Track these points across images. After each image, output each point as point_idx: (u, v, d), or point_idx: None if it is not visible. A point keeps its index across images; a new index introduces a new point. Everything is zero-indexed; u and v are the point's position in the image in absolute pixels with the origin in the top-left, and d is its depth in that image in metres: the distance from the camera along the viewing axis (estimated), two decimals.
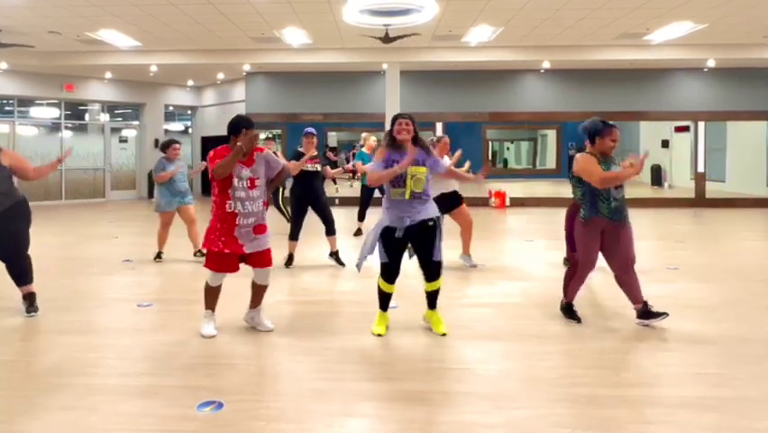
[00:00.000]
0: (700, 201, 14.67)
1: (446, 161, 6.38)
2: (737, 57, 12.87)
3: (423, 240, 4.32)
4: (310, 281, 6.26)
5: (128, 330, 4.64)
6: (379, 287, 4.50)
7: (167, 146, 7.48)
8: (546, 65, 14.10)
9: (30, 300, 5.00)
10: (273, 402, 3.32)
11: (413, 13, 9.89)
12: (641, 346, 4.29)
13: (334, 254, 7.09)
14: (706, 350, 4.14)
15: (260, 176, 4.36)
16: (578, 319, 4.77)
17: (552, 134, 18.01)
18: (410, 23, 10.21)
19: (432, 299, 4.52)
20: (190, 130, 19.19)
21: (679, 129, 16.38)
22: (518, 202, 14.74)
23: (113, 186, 17.05)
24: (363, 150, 9.67)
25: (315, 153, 6.87)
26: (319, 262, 7.25)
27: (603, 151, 4.58)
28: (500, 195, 14.64)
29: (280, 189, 9.96)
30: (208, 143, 18.25)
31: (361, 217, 9.56)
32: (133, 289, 6.09)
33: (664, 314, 4.58)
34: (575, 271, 4.77)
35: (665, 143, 17.22)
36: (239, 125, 4.30)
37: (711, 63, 13.76)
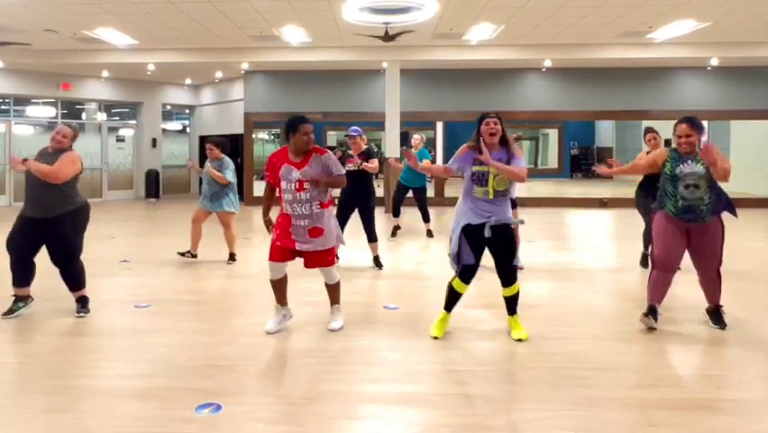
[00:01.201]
0: None
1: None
2: (741, 55, 12.82)
3: (503, 243, 4.28)
4: (310, 282, 6.16)
5: (126, 331, 4.61)
6: (452, 287, 4.40)
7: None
8: (548, 64, 14.07)
9: (82, 303, 5.06)
10: (272, 404, 3.31)
11: (413, 11, 9.89)
12: (645, 348, 4.25)
13: (375, 258, 7.00)
14: (711, 352, 4.13)
15: (311, 179, 4.30)
16: (648, 323, 4.54)
17: (553, 134, 17.94)
18: (410, 21, 10.17)
19: (511, 304, 4.45)
20: (188, 129, 19.10)
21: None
22: (520, 202, 14.57)
23: (110, 186, 16.97)
24: (413, 150, 9.53)
25: (364, 148, 6.82)
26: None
27: (677, 147, 4.53)
28: None
29: None
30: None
31: (396, 213, 9.47)
32: (131, 290, 6.06)
33: (723, 325, 4.55)
34: (653, 269, 4.63)
35: (668, 143, 17.09)
36: (293, 123, 4.32)
37: (715, 62, 13.72)
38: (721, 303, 4.67)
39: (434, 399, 3.37)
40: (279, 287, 4.56)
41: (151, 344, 4.29)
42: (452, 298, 4.44)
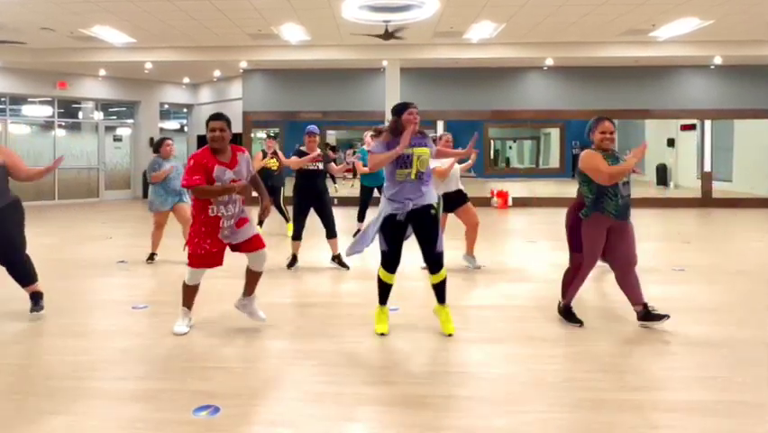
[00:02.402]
0: (707, 201, 14.53)
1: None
2: (745, 54, 12.77)
3: (425, 228, 4.37)
4: (308, 283, 6.21)
5: (123, 333, 4.58)
6: (379, 278, 4.49)
7: (159, 144, 7.35)
8: (549, 62, 14.01)
9: (35, 299, 4.95)
10: (270, 406, 3.29)
11: (413, 10, 9.86)
12: (645, 350, 4.22)
13: (336, 258, 6.95)
14: (712, 353, 4.09)
15: (243, 177, 4.39)
16: (579, 322, 4.66)
17: (555, 133, 17.86)
18: (411, 19, 10.12)
19: (439, 291, 4.49)
20: (186, 128, 19.03)
21: (685, 127, 16.24)
22: (521, 202, 14.59)
23: (107, 186, 16.86)
24: (364, 147, 9.49)
25: (318, 152, 6.78)
26: (319, 263, 7.15)
27: (600, 145, 4.51)
28: (503, 195, 14.49)
29: (281, 189, 9.76)
30: (204, 142, 18.05)
31: (361, 218, 9.39)
32: (128, 291, 6.02)
33: (665, 316, 4.51)
34: (577, 272, 4.65)
35: (671, 142, 17.08)
36: (207, 121, 4.48)
37: (718, 60, 13.65)
38: (645, 300, 4.61)
39: (434, 400, 3.33)
40: (195, 291, 4.57)
41: (149, 345, 4.26)
42: (383, 289, 4.50)
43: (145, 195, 16.84)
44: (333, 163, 7.02)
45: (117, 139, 17.32)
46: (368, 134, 9.03)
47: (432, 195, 4.45)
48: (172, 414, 3.15)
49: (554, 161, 17.94)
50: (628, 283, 4.59)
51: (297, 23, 11.01)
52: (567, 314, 4.74)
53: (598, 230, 4.51)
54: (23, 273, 4.94)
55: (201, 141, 18.16)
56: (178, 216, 7.32)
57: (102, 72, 15.78)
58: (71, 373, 3.75)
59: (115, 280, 6.55)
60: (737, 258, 7.72)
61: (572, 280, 4.70)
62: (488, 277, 6.50)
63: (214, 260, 4.42)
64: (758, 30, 11.44)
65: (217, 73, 16.42)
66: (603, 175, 4.33)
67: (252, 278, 4.59)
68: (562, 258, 7.75)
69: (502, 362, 3.94)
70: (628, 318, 4.77)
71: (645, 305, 4.58)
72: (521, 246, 8.80)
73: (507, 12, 10.26)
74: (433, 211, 4.39)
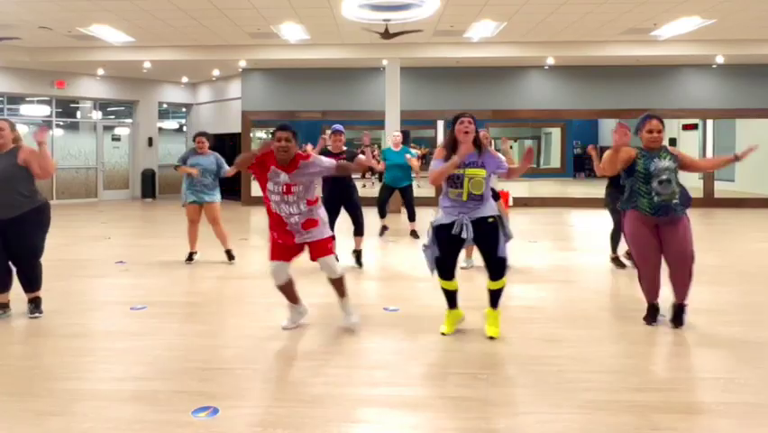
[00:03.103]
0: (709, 201, 14.45)
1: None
2: (747, 53, 12.73)
3: (485, 236, 4.25)
4: (308, 283, 6.09)
5: (121, 334, 4.56)
6: (441, 286, 4.45)
7: (194, 138, 7.39)
8: (551, 61, 13.95)
9: (35, 303, 4.96)
10: (270, 408, 3.28)
11: (413, 8, 9.84)
12: (650, 351, 4.23)
13: (356, 253, 7.00)
14: (716, 354, 4.08)
15: (300, 183, 4.31)
16: (649, 321, 4.64)
17: (556, 132, 17.78)
18: (411, 17, 10.11)
19: (494, 297, 4.42)
20: (185, 128, 18.93)
21: (687, 127, 16.21)
22: (522, 202, 14.49)
23: (105, 185, 16.78)
24: (390, 146, 9.47)
25: (344, 149, 6.85)
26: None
27: (647, 144, 4.54)
28: (503, 194, 14.31)
29: None
30: (197, 135, 17.95)
31: (382, 214, 9.36)
32: (127, 291, 5.99)
33: (680, 324, 4.56)
34: (639, 271, 4.69)
35: (673, 142, 17.02)
36: (274, 130, 4.41)
37: (720, 59, 13.58)
38: (686, 302, 4.61)
39: (435, 402, 3.33)
40: (286, 291, 4.58)
41: (147, 346, 4.24)
42: (446, 295, 4.48)
43: (144, 195, 16.83)
44: (360, 156, 6.95)
45: (116, 138, 17.23)
46: (395, 133, 9.09)
47: (488, 208, 4.27)
48: (171, 415, 3.14)
49: (555, 161, 17.86)
50: (676, 280, 4.55)
51: (296, 22, 10.98)
52: (649, 313, 4.70)
53: (638, 225, 4.53)
54: (32, 279, 4.94)
55: None
56: (206, 216, 7.27)
57: (100, 71, 15.70)
58: (69, 373, 3.75)
59: (114, 280, 6.54)
60: (740, 259, 7.70)
61: (639, 279, 4.73)
62: (483, 277, 6.47)
63: (284, 254, 4.43)
64: (761, 29, 11.39)
65: (216, 72, 16.35)
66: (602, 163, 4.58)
67: (333, 284, 4.59)
68: (563, 258, 7.80)
69: (503, 363, 3.94)
70: (631, 319, 4.77)
71: (683, 305, 4.58)
72: (522, 246, 8.70)
73: (507, 10, 10.23)
74: (491, 220, 4.23)
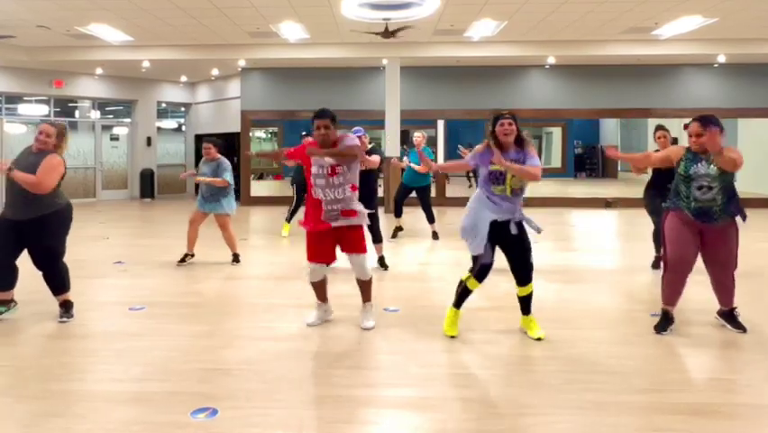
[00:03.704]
0: None
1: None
2: (749, 52, 12.69)
3: (519, 241, 4.30)
4: (308, 284, 6.04)
5: (120, 334, 4.55)
6: (465, 285, 4.42)
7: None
8: (551, 60, 13.91)
9: (65, 307, 4.94)
10: (269, 409, 3.26)
11: (413, 7, 9.82)
12: (651, 351, 4.19)
13: (380, 259, 6.99)
14: (718, 355, 4.10)
15: (344, 164, 4.37)
16: (659, 330, 4.50)
17: (557, 132, 17.71)
18: (411, 17, 10.09)
19: (524, 303, 4.47)
20: (184, 128, 18.86)
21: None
22: (522, 202, 14.44)
23: (104, 185, 16.70)
24: (414, 148, 9.41)
25: (369, 147, 6.82)
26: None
27: (692, 146, 4.42)
28: None
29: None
30: (204, 142, 17.91)
31: (398, 213, 9.28)
32: (126, 292, 5.98)
33: (741, 328, 4.49)
34: (666, 271, 4.56)
35: (674, 141, 16.94)
36: (312, 118, 4.48)
37: (722, 59, 13.53)
38: (735, 305, 4.60)
39: (436, 403, 3.32)
40: (319, 288, 4.70)
41: (146, 347, 4.24)
42: (464, 295, 4.47)
43: (143, 195, 16.76)
44: (375, 156, 6.83)
45: (114, 138, 17.14)
46: (417, 134, 9.09)
47: (521, 210, 4.34)
48: (170, 416, 3.13)
49: (556, 161, 17.80)
50: (718, 286, 4.53)
51: (296, 21, 10.94)
52: (661, 318, 4.57)
53: (679, 225, 4.42)
54: (56, 282, 4.91)
55: (198, 140, 18.02)
56: (218, 224, 7.27)
57: (99, 71, 15.62)
58: (68, 375, 3.75)
59: (112, 281, 6.52)
60: (742, 259, 7.55)
61: (663, 280, 4.60)
62: (489, 278, 6.41)
63: (324, 249, 4.48)
64: (763, 27, 11.36)
65: (215, 72, 16.29)
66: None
67: (360, 286, 4.68)
68: (564, 259, 7.76)
69: (503, 363, 3.94)
70: (632, 320, 4.77)
71: (732, 309, 4.56)
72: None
73: (508, 9, 10.20)
74: (525, 224, 4.33)
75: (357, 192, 4.50)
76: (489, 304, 5.35)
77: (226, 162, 7.19)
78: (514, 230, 4.24)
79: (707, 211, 4.31)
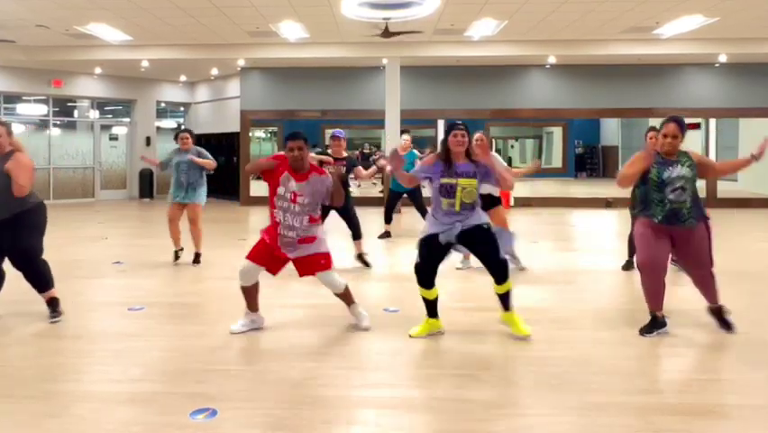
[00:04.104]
0: (712, 201, 14.34)
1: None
2: (750, 51, 12.64)
3: (482, 242, 4.27)
4: (308, 284, 6.06)
5: (119, 335, 4.55)
6: (422, 295, 4.46)
7: (176, 136, 7.30)
8: (552, 60, 13.85)
9: (53, 306, 4.90)
10: (269, 409, 3.25)
11: (413, 7, 9.77)
12: (651, 352, 4.19)
13: (360, 256, 6.99)
14: (718, 356, 4.09)
15: (306, 195, 4.32)
16: (643, 332, 4.44)
17: (558, 132, 17.68)
18: (411, 16, 10.05)
19: (504, 300, 4.41)
20: (183, 127, 18.65)
21: (689, 126, 16.04)
22: (523, 202, 14.44)
23: (103, 185, 16.66)
24: (398, 149, 9.37)
25: (345, 155, 6.85)
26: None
27: (660, 148, 4.35)
28: (504, 194, 14.28)
29: None
30: (202, 141, 17.90)
31: (388, 220, 9.34)
32: (124, 292, 5.96)
33: (729, 328, 4.45)
34: (642, 275, 4.52)
35: None
36: (285, 139, 4.42)
37: (723, 58, 13.48)
38: (722, 303, 4.56)
39: (435, 403, 3.32)
40: (250, 293, 4.50)
41: (145, 347, 4.23)
42: (426, 304, 4.46)
43: (142, 195, 16.72)
44: (360, 168, 7.03)
45: (113, 138, 17.10)
46: (404, 137, 9.05)
47: (481, 216, 4.31)
48: (169, 417, 3.12)
49: (557, 161, 17.75)
50: (700, 286, 4.51)
51: (295, 21, 10.89)
52: (649, 321, 4.50)
53: (649, 232, 4.38)
54: (37, 279, 4.89)
55: (198, 140, 17.91)
56: (187, 215, 7.19)
57: (98, 70, 15.56)
58: (67, 375, 3.75)
59: (111, 281, 6.50)
60: (743, 259, 7.64)
61: (642, 284, 4.55)
62: (489, 278, 6.39)
63: (265, 260, 4.38)
64: (764, 27, 11.31)
65: (215, 71, 16.23)
66: (618, 176, 4.30)
67: (340, 297, 4.61)
68: (564, 259, 7.74)
69: (504, 364, 3.92)
70: (632, 321, 4.73)
71: (720, 307, 4.52)
72: (523, 247, 8.66)
73: (508, 9, 10.15)
74: (486, 226, 4.27)
75: (320, 224, 4.48)
76: (489, 305, 5.29)
77: (200, 148, 7.25)
78: (443, 239, 4.19)
79: (677, 213, 4.28)
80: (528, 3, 9.71)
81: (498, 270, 4.28)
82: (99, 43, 12.55)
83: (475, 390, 3.49)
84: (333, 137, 6.95)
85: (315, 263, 4.40)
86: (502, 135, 20.02)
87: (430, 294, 4.41)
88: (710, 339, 4.36)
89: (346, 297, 4.61)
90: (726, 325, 4.48)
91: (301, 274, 4.47)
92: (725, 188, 14.64)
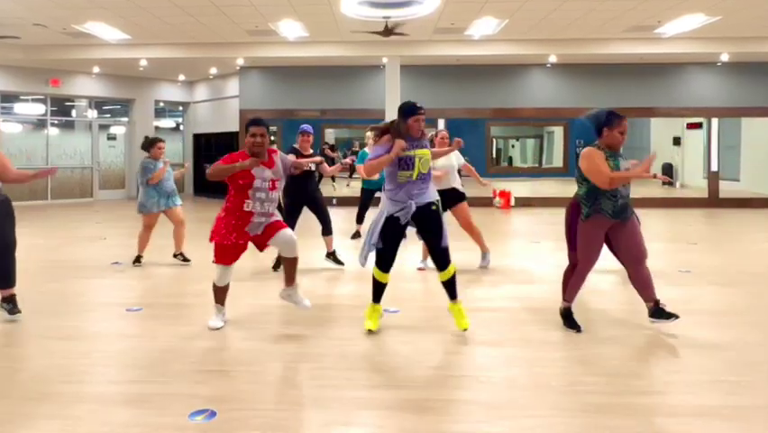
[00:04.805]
0: (714, 201, 14.34)
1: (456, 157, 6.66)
2: (753, 50, 12.64)
3: (428, 223, 4.41)
4: (306, 284, 6.08)
5: (117, 336, 4.56)
6: (373, 277, 4.54)
7: (151, 145, 7.14)
8: (553, 59, 13.83)
9: (12, 302, 4.85)
10: (268, 411, 3.24)
11: (413, 5, 9.81)
12: (652, 353, 4.20)
13: (331, 255, 6.99)
14: (719, 357, 4.03)
15: (280, 177, 4.55)
16: (577, 328, 4.53)
17: (558, 131, 17.58)
18: (411, 15, 10.05)
19: (449, 288, 4.49)
20: (182, 127, 18.79)
21: (691, 126, 16.07)
22: (524, 202, 14.40)
23: (101, 185, 16.63)
24: (366, 149, 9.27)
25: (311, 152, 6.84)
26: (315, 264, 7.07)
27: (611, 144, 4.32)
28: (505, 194, 14.29)
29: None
30: (201, 141, 17.86)
31: (360, 220, 9.20)
32: (122, 292, 5.95)
33: (675, 316, 4.39)
34: (573, 270, 4.55)
35: (677, 141, 16.94)
36: (247, 125, 4.52)
37: (725, 57, 13.48)
38: (657, 297, 4.49)
39: (435, 405, 3.29)
40: (224, 292, 4.69)
41: (143, 348, 4.21)
42: (377, 287, 4.54)
43: None
44: (326, 165, 6.91)
45: (111, 138, 17.07)
46: (369, 135, 8.89)
47: (432, 192, 4.48)
48: (167, 419, 3.11)
49: (558, 160, 17.66)
50: (639, 280, 4.47)
51: (295, 20, 10.89)
52: (566, 318, 4.60)
53: (595, 230, 4.39)
54: (5, 275, 4.82)
55: (197, 139, 17.93)
56: (171, 219, 7.21)
57: (96, 69, 15.53)
58: (64, 376, 3.71)
59: (109, 281, 6.47)
60: (745, 259, 7.62)
61: (569, 278, 4.59)
62: (490, 278, 6.45)
63: (236, 256, 4.54)
64: (766, 26, 11.31)
65: (214, 70, 16.22)
66: (604, 179, 4.16)
67: (288, 265, 4.60)
68: (565, 259, 7.67)
69: (504, 365, 3.90)
70: (634, 322, 4.73)
71: (657, 302, 4.45)
72: (524, 247, 8.67)
73: (509, 7, 10.15)
74: (434, 207, 4.41)
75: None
76: (490, 305, 5.32)
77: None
78: (403, 220, 4.31)
79: (625, 207, 4.33)
80: (529, 1, 9.71)
81: (440, 256, 4.39)
82: (97, 42, 12.53)
83: (476, 391, 3.47)
84: (302, 132, 6.87)
85: (279, 224, 4.54)
86: (503, 135, 19.92)
87: (385, 278, 4.51)
88: (711, 340, 4.34)
89: (292, 269, 4.61)
90: (669, 315, 4.40)
91: (261, 248, 4.59)
92: (727, 188, 14.62)
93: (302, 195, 6.81)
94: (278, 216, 4.64)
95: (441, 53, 13.03)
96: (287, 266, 4.63)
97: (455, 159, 6.62)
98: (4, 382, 3.63)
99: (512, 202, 14.27)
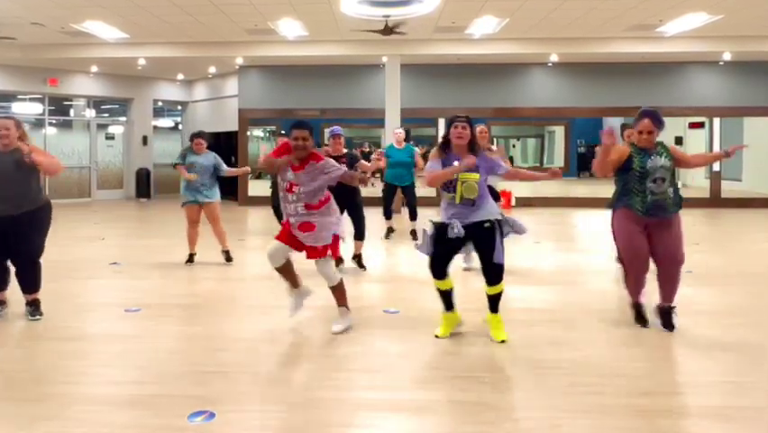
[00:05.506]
0: (716, 201, 14.30)
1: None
2: (755, 50, 12.59)
3: (481, 242, 4.25)
4: (307, 285, 5.97)
5: (116, 337, 4.54)
6: (436, 287, 4.43)
7: (192, 138, 7.25)
8: (554, 58, 13.78)
9: (35, 306, 4.92)
10: (267, 412, 3.24)
11: (414, 4, 9.78)
12: (656, 354, 4.16)
13: (357, 257, 6.88)
14: (723, 358, 4.03)
15: (304, 184, 4.37)
16: (643, 323, 4.57)
17: (560, 131, 17.59)
18: (411, 13, 10.04)
19: (492, 302, 4.39)
20: (180, 126, 18.72)
21: (693, 125, 16.03)
22: (525, 202, 14.33)
23: (99, 185, 16.55)
24: (393, 144, 9.26)
25: (344, 152, 6.73)
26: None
27: (636, 141, 4.47)
28: (506, 194, 14.19)
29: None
30: (195, 137, 17.76)
31: (388, 215, 9.17)
32: (121, 293, 5.94)
33: (671, 327, 4.47)
34: (626, 267, 4.66)
35: (679, 140, 16.82)
36: (290, 127, 4.45)
37: (727, 56, 13.44)
38: (674, 304, 4.56)
39: (437, 406, 3.29)
40: (285, 273, 4.58)
41: (142, 349, 4.21)
42: (441, 295, 4.44)
43: (139, 194, 16.59)
44: (363, 161, 6.81)
45: (109, 137, 16.99)
46: (397, 130, 9.04)
47: (486, 211, 4.25)
48: (167, 420, 3.11)
49: (559, 160, 17.66)
50: (666, 280, 4.49)
51: (294, 19, 10.87)
52: (634, 313, 4.67)
53: (626, 222, 4.47)
54: (32, 280, 4.89)
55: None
56: (206, 215, 7.14)
57: (94, 68, 15.47)
58: (64, 377, 3.73)
59: (108, 282, 6.47)
60: (747, 260, 7.62)
61: (626, 277, 4.70)
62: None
63: (289, 240, 4.45)
64: None
65: (212, 69, 16.16)
66: (595, 166, 4.46)
67: (332, 291, 4.58)
68: (567, 259, 7.67)
69: (507, 366, 3.90)
70: (634, 322, 4.69)
71: (671, 307, 4.51)
72: (525, 248, 8.59)
73: (510, 6, 10.12)
74: (486, 225, 4.20)
75: (323, 209, 4.47)
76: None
77: (216, 155, 7.27)
78: (451, 234, 4.15)
79: (662, 204, 4.34)
80: (530, 0, 9.68)
81: (492, 272, 4.26)
82: (95, 41, 12.49)
83: (478, 392, 3.45)
84: (334, 135, 6.83)
85: (312, 251, 4.44)
86: (503, 134, 19.90)
87: (444, 285, 4.38)
88: (714, 341, 4.33)
89: (338, 294, 4.58)
90: (670, 325, 4.48)
91: (308, 257, 4.52)
92: (729, 188, 14.60)
93: (345, 199, 6.62)
94: (321, 236, 4.44)
95: (441, 52, 12.98)
96: (331, 292, 4.60)
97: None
98: (4, 383, 3.62)
99: (513, 202, 14.21)
